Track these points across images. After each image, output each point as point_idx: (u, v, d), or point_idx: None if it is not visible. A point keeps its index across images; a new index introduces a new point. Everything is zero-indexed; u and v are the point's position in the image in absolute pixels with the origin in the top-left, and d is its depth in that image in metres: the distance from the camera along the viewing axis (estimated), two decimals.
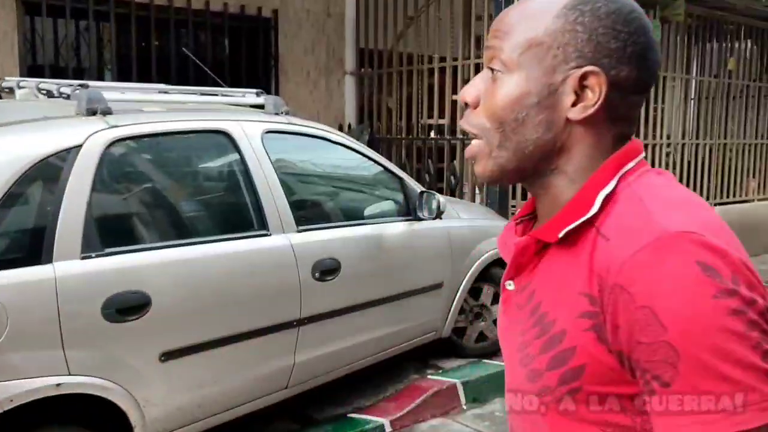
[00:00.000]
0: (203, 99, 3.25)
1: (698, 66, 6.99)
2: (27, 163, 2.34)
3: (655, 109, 6.56)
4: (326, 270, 3.16)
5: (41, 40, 5.21)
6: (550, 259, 0.85)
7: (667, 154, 6.69)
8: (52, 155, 2.42)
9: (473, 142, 0.89)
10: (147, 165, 2.85)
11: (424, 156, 6.23)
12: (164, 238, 2.75)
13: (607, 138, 0.84)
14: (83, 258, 2.41)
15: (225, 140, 2.96)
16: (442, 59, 5.92)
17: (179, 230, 2.85)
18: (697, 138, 7.08)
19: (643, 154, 0.86)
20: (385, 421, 3.65)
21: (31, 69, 5.07)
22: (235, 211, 3.02)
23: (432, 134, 6.23)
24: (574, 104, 0.82)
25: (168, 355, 2.63)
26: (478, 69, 5.69)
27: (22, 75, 4.81)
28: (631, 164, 0.84)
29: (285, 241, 3.03)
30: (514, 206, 5.49)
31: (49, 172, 2.41)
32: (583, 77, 0.82)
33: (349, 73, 6.76)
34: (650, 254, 0.72)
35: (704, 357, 0.69)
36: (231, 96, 3.43)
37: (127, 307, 2.49)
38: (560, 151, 0.84)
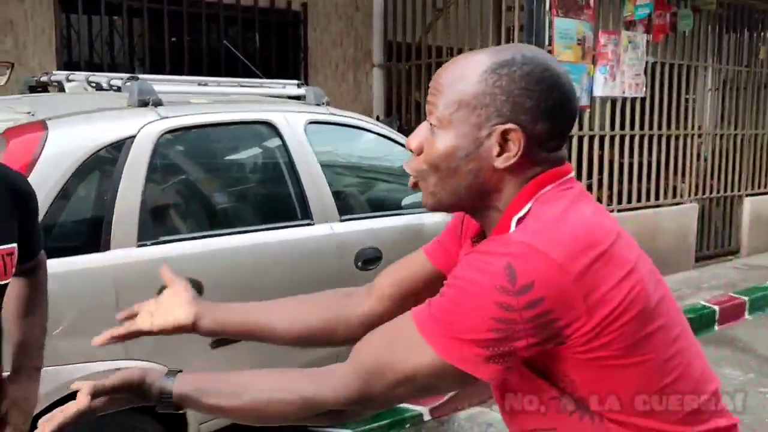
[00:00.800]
0: (247, 90, 3.29)
1: (729, 55, 6.92)
2: (85, 153, 2.40)
3: (687, 100, 6.51)
4: (368, 259, 3.20)
5: (77, 36, 5.29)
6: None
7: (700, 145, 6.65)
8: (108, 145, 2.48)
9: (412, 178, 1.04)
10: (196, 155, 2.90)
11: None
12: (213, 227, 2.80)
13: (529, 177, 0.98)
14: (139, 246, 2.47)
15: (270, 131, 3.01)
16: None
17: (227, 219, 2.91)
18: (728, 128, 7.01)
19: (566, 177, 0.99)
20: (424, 410, 3.69)
21: (67, 65, 5.15)
22: (279, 201, 3.06)
23: None
24: (498, 154, 0.95)
25: (218, 342, 2.68)
26: None
27: (59, 70, 4.89)
28: (547, 188, 0.97)
29: (328, 230, 3.07)
30: None
31: (105, 162, 2.47)
32: (504, 133, 0.95)
33: (377, 65, 6.78)
34: (487, 243, 0.95)
35: (464, 309, 0.90)
36: (272, 87, 3.47)
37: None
38: (491, 191, 0.98)
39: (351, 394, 0.97)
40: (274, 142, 3.02)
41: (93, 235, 2.40)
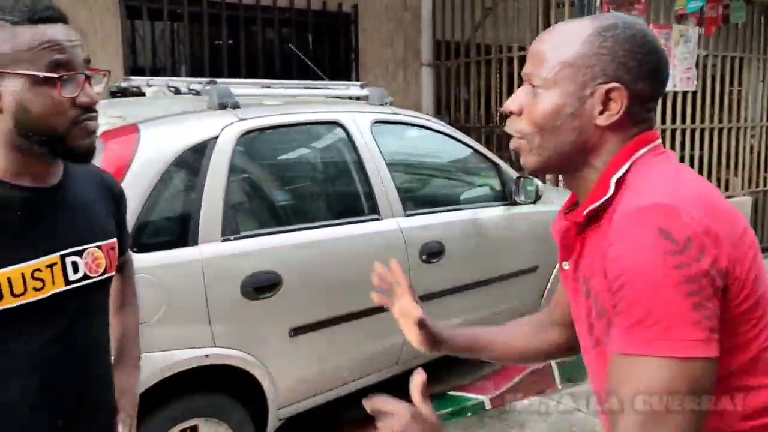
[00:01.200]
0: (314, 92, 3.43)
1: None
2: (174, 153, 2.57)
3: (739, 92, 6.46)
4: (432, 252, 3.31)
5: (141, 42, 5.52)
6: (588, 239, 1.04)
7: (752, 137, 6.58)
8: (193, 146, 2.64)
9: (514, 139, 1.08)
10: (271, 154, 3.06)
11: (503, 144, 6.31)
12: (290, 222, 2.95)
13: (629, 137, 1.02)
14: (223, 240, 2.63)
15: (339, 130, 3.14)
16: (521, 48, 5.97)
17: (302, 214, 3.05)
18: None
19: (657, 142, 1.04)
20: (485, 399, 3.79)
21: (133, 70, 5.38)
22: (349, 197, 3.20)
23: None
24: (601, 113, 1.01)
25: (296, 331, 2.83)
26: None
27: (126, 75, 5.11)
28: (642, 151, 1.01)
29: (395, 225, 3.19)
30: None
31: (191, 162, 2.63)
32: (608, 91, 1.00)
33: (426, 64, 6.89)
34: (623, 222, 0.92)
35: (648, 296, 0.87)
36: (336, 88, 3.61)
37: (261, 285, 2.69)
38: (591, 149, 1.03)
39: None
40: (343, 141, 3.16)
41: (182, 231, 2.57)
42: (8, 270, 1.17)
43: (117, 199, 1.46)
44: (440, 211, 3.50)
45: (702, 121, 6.11)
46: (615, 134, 1.02)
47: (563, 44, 1.03)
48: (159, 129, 2.65)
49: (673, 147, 5.93)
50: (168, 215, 2.60)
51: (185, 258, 2.52)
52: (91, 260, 1.31)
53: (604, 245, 0.95)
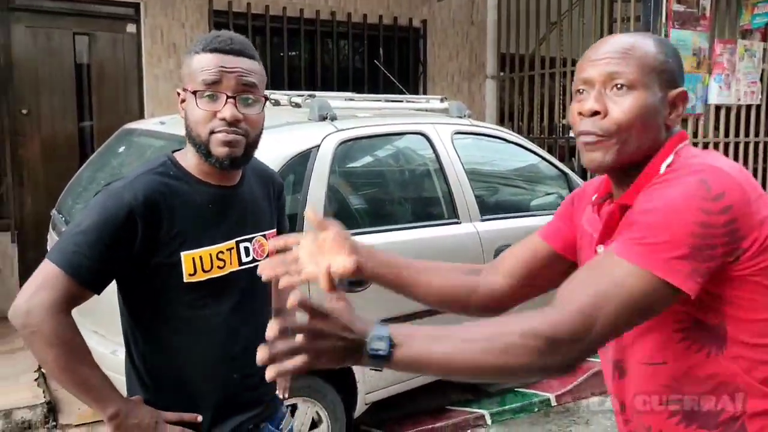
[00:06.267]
0: (400, 105, 3.72)
1: None
2: (283, 159, 2.89)
3: None
4: None
5: None
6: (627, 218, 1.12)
7: None
8: (299, 154, 2.95)
9: (589, 138, 1.14)
10: (365, 162, 3.36)
11: (564, 154, 6.50)
12: (380, 223, 3.24)
13: (674, 132, 1.17)
14: None
15: (423, 141, 3.42)
16: None
17: (391, 217, 3.34)
18: None
19: (689, 140, 1.19)
20: (551, 396, 4.00)
21: None
22: (432, 202, 3.48)
23: (572, 133, 6.46)
24: (670, 113, 1.15)
25: (384, 322, 3.10)
26: None
27: None
28: (681, 145, 1.15)
29: (472, 228, 3.45)
30: None
31: (297, 168, 2.95)
32: (682, 94, 1.16)
33: (490, 77, 7.13)
34: (671, 174, 1.08)
35: (665, 221, 1.01)
36: (417, 101, 3.90)
37: (356, 279, 2.97)
38: (656, 144, 1.14)
39: (576, 328, 0.97)
40: (427, 151, 3.44)
41: (290, 230, 2.87)
42: (201, 250, 1.49)
43: (278, 194, 1.76)
44: (513, 217, 3.74)
45: (766, 134, 6.17)
46: (668, 130, 1.16)
47: (643, 51, 1.13)
48: (270, 138, 2.96)
49: (736, 160, 6.02)
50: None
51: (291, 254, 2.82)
52: (258, 246, 1.61)
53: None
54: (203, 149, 1.47)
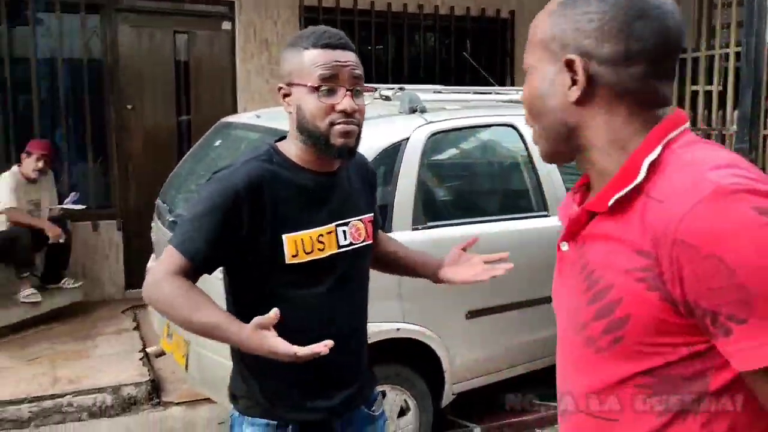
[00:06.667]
0: (487, 97, 3.72)
1: None
2: (375, 151, 2.94)
3: None
4: None
5: None
6: (601, 224, 0.93)
7: None
8: (390, 146, 3.01)
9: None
10: (454, 154, 3.38)
11: None
12: (469, 215, 3.26)
13: (622, 111, 0.91)
14: (413, 229, 2.98)
15: (513, 132, 3.41)
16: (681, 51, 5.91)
17: (480, 208, 3.35)
18: None
19: (687, 125, 0.93)
20: None
21: None
22: (521, 194, 3.46)
23: None
24: (569, 88, 0.92)
25: (472, 314, 3.13)
26: (711, 61, 5.65)
27: None
28: (674, 133, 0.90)
29: None
30: None
31: (388, 159, 3.00)
32: (568, 63, 0.91)
33: None
34: (708, 206, 0.78)
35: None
36: (506, 93, 3.87)
37: None
38: (580, 129, 0.93)
39: None
40: (516, 143, 3.42)
41: (383, 222, 2.93)
42: (302, 233, 1.56)
43: (371, 180, 1.83)
44: None
45: None
46: (598, 109, 0.92)
47: (536, 24, 0.98)
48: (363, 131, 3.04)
49: None
50: None
51: None
52: (354, 230, 1.68)
53: (634, 235, 0.86)
54: (322, 140, 1.53)
